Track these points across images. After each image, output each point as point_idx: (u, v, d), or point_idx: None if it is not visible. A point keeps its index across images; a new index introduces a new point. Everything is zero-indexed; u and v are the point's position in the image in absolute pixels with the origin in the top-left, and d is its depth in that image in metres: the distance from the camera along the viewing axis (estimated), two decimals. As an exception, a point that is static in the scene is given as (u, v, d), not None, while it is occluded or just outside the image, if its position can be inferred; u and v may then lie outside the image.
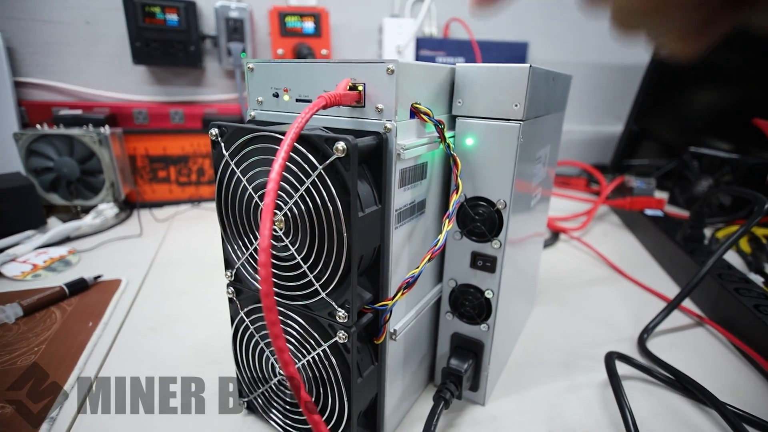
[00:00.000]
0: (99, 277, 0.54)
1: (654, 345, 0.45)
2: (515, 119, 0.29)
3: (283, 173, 0.25)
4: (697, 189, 0.85)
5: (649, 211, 0.75)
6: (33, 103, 0.80)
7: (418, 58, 0.94)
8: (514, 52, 1.00)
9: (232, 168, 0.27)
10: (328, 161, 0.23)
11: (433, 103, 0.29)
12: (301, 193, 0.24)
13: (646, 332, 0.45)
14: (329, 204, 0.24)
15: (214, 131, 0.27)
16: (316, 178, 0.23)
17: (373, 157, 0.25)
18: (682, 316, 0.51)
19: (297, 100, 0.28)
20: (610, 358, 0.38)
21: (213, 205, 0.85)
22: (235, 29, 0.84)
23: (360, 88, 0.25)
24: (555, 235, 0.75)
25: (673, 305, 0.47)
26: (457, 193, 0.29)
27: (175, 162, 0.84)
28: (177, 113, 0.84)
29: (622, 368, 0.39)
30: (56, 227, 0.65)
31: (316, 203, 0.24)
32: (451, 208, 0.29)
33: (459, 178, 0.29)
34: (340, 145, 0.22)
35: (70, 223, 0.67)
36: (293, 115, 0.29)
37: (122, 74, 0.85)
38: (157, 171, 0.84)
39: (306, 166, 0.24)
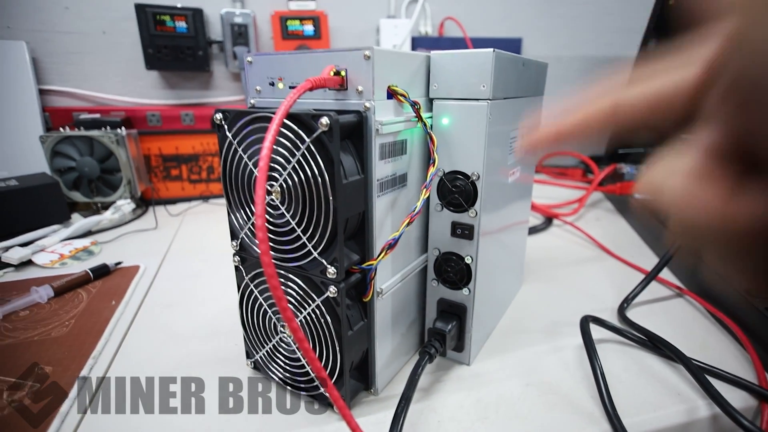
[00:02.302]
0: (119, 263, 0.59)
1: (634, 314, 0.47)
2: (484, 98, 0.33)
3: (277, 148, 0.29)
4: (689, 174, 0.87)
5: (638, 195, 0.77)
6: (55, 109, 0.85)
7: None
8: (508, 48, 1.02)
9: (235, 147, 0.31)
10: (314, 134, 0.27)
11: (409, 86, 0.32)
12: (293, 165, 0.28)
13: (626, 302, 0.48)
14: (317, 173, 0.27)
15: (218, 116, 0.31)
16: (305, 150, 0.27)
17: (355, 133, 0.29)
18: (664, 288, 0.53)
19: (290, 87, 0.32)
20: (585, 321, 0.41)
21: (222, 200, 0.90)
22: (240, 34, 0.89)
23: (343, 73, 0.29)
24: (548, 220, 0.78)
25: (651, 276, 0.50)
26: (433, 165, 0.33)
27: (187, 161, 0.90)
28: (187, 115, 0.89)
29: (599, 333, 0.42)
30: (79, 222, 0.70)
31: (306, 173, 0.28)
32: (428, 180, 0.32)
33: (435, 153, 0.33)
34: (324, 120, 0.26)
35: (92, 217, 0.72)
36: (287, 100, 0.33)
37: (136, 79, 0.90)
38: (170, 169, 0.89)
39: (297, 140, 0.28)
